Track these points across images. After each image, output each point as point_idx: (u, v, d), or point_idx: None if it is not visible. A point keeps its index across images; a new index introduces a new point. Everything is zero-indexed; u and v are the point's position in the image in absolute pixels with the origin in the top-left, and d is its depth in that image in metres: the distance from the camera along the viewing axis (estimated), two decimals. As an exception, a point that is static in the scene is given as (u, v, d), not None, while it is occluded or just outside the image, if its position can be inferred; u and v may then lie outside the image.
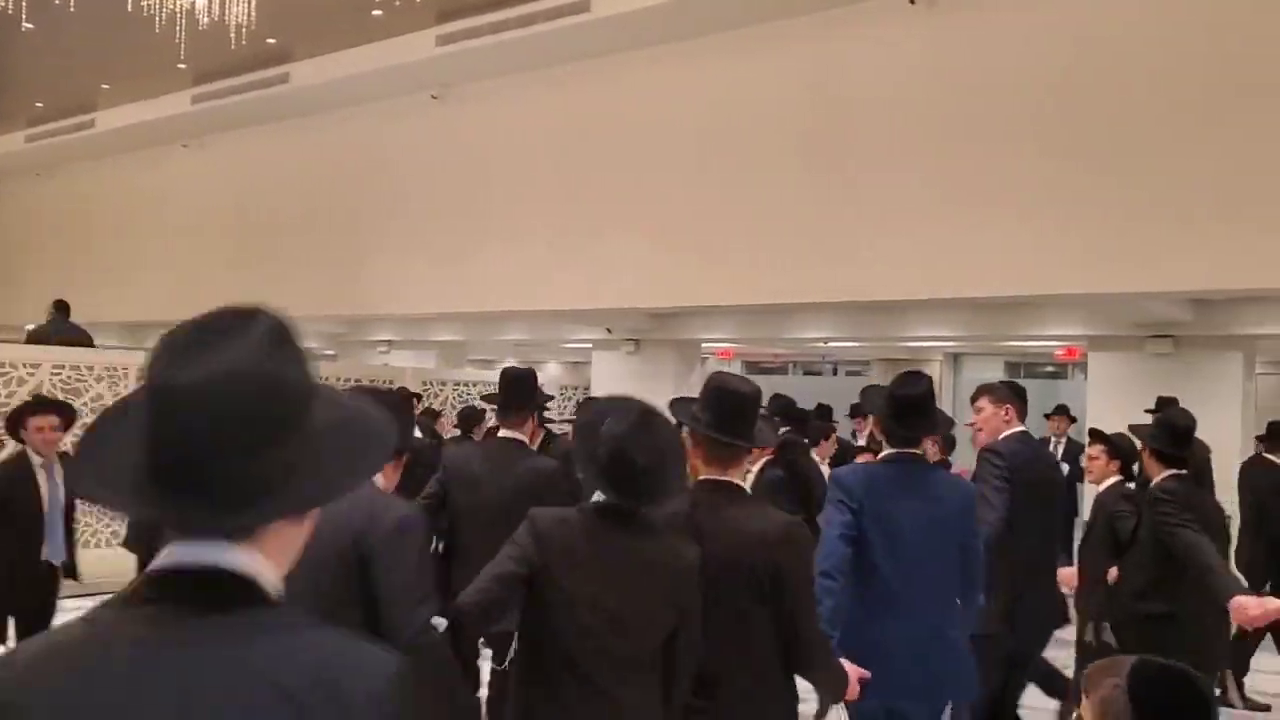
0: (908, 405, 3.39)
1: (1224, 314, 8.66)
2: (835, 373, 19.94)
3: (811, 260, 8.03)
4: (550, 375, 19.69)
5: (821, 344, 14.70)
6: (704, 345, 13.56)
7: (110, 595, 1.13)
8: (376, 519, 2.54)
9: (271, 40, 10.70)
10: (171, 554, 1.11)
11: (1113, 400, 8.88)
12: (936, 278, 7.48)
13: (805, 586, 2.78)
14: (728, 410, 2.78)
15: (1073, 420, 9.96)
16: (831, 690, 2.95)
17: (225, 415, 1.07)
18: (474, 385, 11.34)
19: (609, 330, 11.92)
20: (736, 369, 20.06)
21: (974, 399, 4.62)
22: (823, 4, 8.05)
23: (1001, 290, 7.43)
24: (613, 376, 11.43)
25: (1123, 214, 6.71)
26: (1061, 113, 7.00)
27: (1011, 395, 4.64)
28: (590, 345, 12.96)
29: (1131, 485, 5.08)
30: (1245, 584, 4.03)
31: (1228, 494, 8.51)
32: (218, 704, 1.06)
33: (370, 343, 14.58)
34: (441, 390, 11.39)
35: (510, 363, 20.03)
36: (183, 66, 11.37)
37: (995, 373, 17.47)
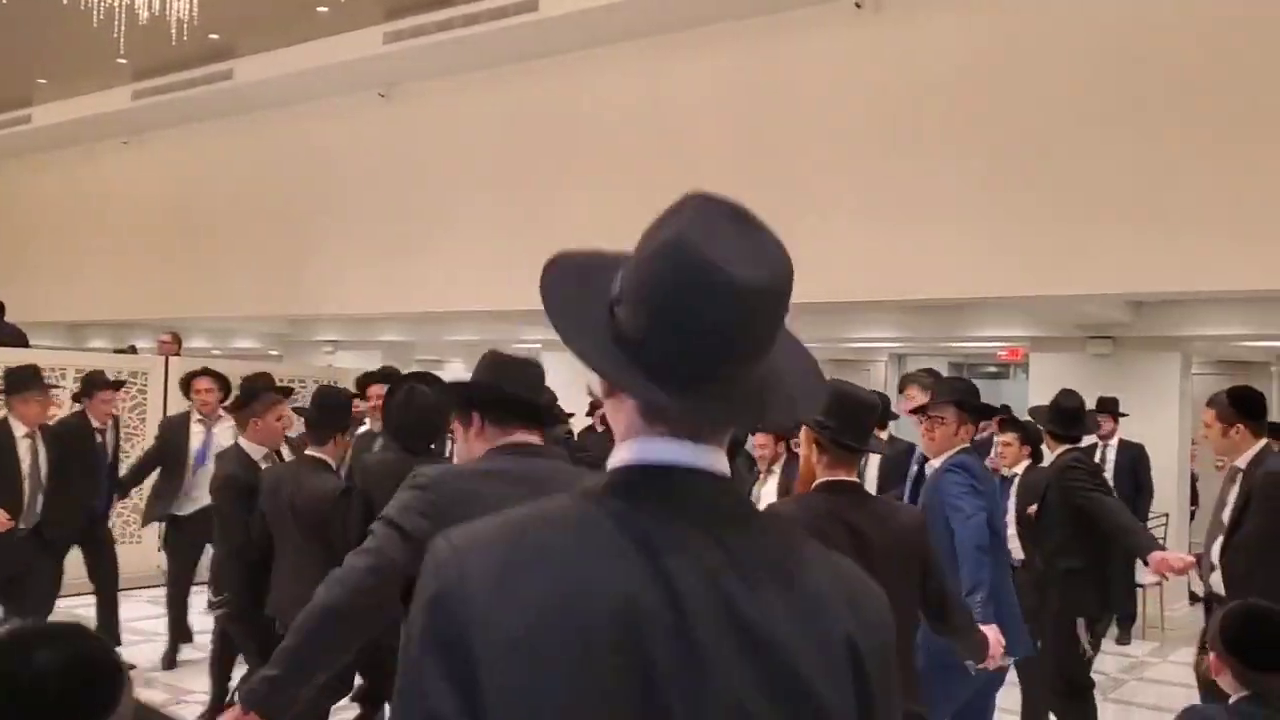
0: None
1: (1161, 316, 8.85)
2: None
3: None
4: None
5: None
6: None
7: None
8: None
9: (214, 36, 10.54)
10: (659, 447, 1.06)
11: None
12: (878, 280, 7.54)
13: (941, 563, 3.16)
14: (850, 416, 2.95)
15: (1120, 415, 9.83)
16: (977, 652, 3.30)
17: (778, 319, 1.05)
18: (421, 386, 11.25)
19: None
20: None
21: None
22: (768, 7, 8.09)
23: (943, 293, 7.52)
24: (563, 378, 11.40)
25: (1061, 217, 6.82)
26: (999, 117, 7.10)
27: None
28: (540, 345, 12.94)
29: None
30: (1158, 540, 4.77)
31: (1169, 485, 8.73)
32: (787, 624, 1.02)
33: (315, 343, 14.42)
34: (388, 391, 11.28)
35: (456, 363, 19.88)
36: (123, 61, 11.17)
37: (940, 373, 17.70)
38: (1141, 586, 8.07)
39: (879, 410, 3.19)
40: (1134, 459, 7.60)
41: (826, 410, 2.93)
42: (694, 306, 1.01)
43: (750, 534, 1.07)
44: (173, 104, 12.23)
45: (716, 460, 1.08)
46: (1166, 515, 8.82)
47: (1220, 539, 4.18)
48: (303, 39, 10.54)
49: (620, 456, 1.08)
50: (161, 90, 12.19)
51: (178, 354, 9.34)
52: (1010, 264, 7.04)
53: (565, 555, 1.00)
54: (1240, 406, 4.30)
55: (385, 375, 5.77)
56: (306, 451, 4.20)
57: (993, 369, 17.14)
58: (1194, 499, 10.79)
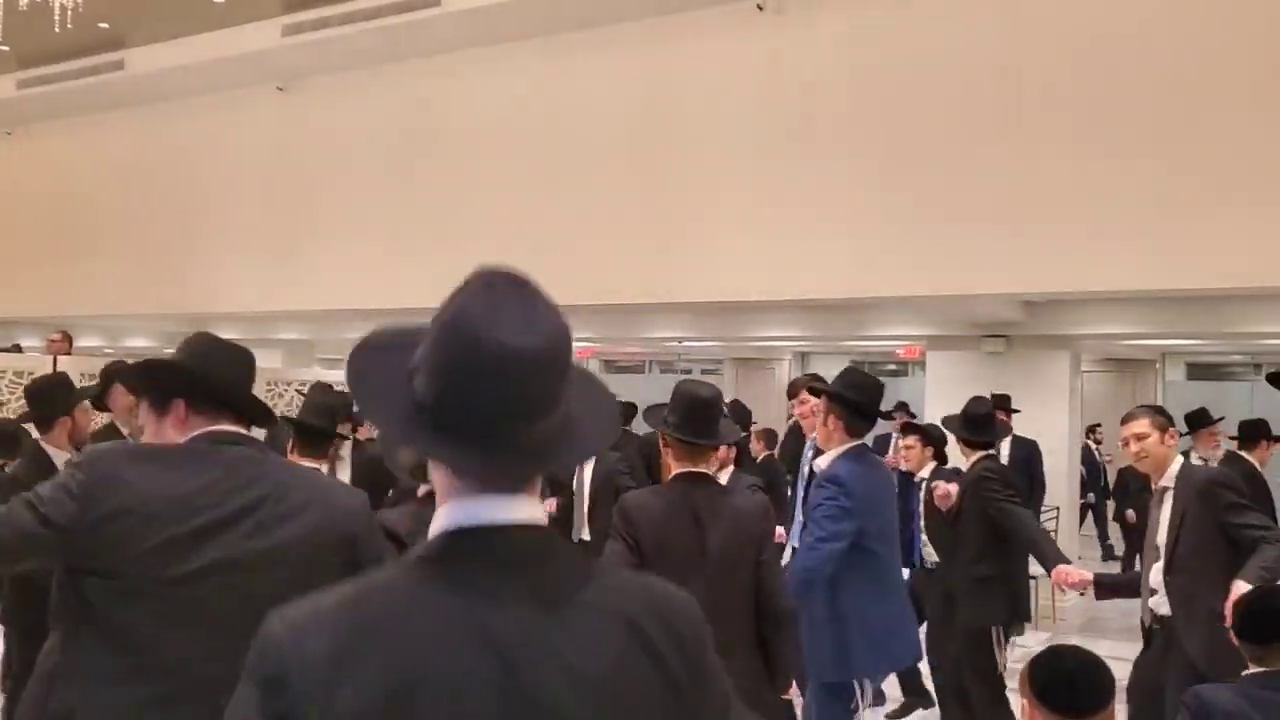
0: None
1: (1052, 315, 9.15)
2: (690, 371, 20.21)
3: (659, 261, 8.10)
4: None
5: (676, 343, 14.88)
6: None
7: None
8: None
9: (104, 25, 10.20)
10: (473, 509, 1.17)
11: (950, 397, 9.24)
12: (780, 280, 7.64)
13: (777, 558, 3.30)
14: (691, 413, 3.15)
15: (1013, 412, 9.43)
16: (779, 670, 3.29)
17: (554, 377, 1.16)
18: (322, 386, 11.02)
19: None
20: (594, 367, 20.15)
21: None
22: (669, 7, 8.13)
23: (838, 293, 7.62)
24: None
25: (954, 219, 6.98)
26: (894, 120, 7.23)
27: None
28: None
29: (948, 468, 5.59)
30: (1064, 554, 4.70)
31: (1060, 480, 9.04)
32: (590, 644, 1.14)
33: (212, 342, 14.03)
34: (286, 390, 11.04)
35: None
36: (4, 49, 10.73)
37: (839, 370, 18.02)
38: (1034, 578, 8.29)
39: (718, 405, 3.25)
40: (1028, 455, 7.83)
41: (671, 409, 3.19)
42: (473, 373, 1.13)
43: (559, 572, 1.19)
44: (61, 94, 11.78)
45: (528, 508, 1.19)
46: (1057, 509, 9.13)
47: (1159, 563, 4.02)
48: (198, 30, 10.25)
49: (441, 523, 1.18)
50: (48, 80, 11.73)
51: (68, 353, 9.00)
52: (905, 264, 7.19)
53: (397, 636, 1.08)
54: (1165, 414, 4.18)
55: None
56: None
57: (892, 366, 17.53)
58: (1108, 492, 11.20)
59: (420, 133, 9.47)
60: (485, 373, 1.12)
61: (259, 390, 10.10)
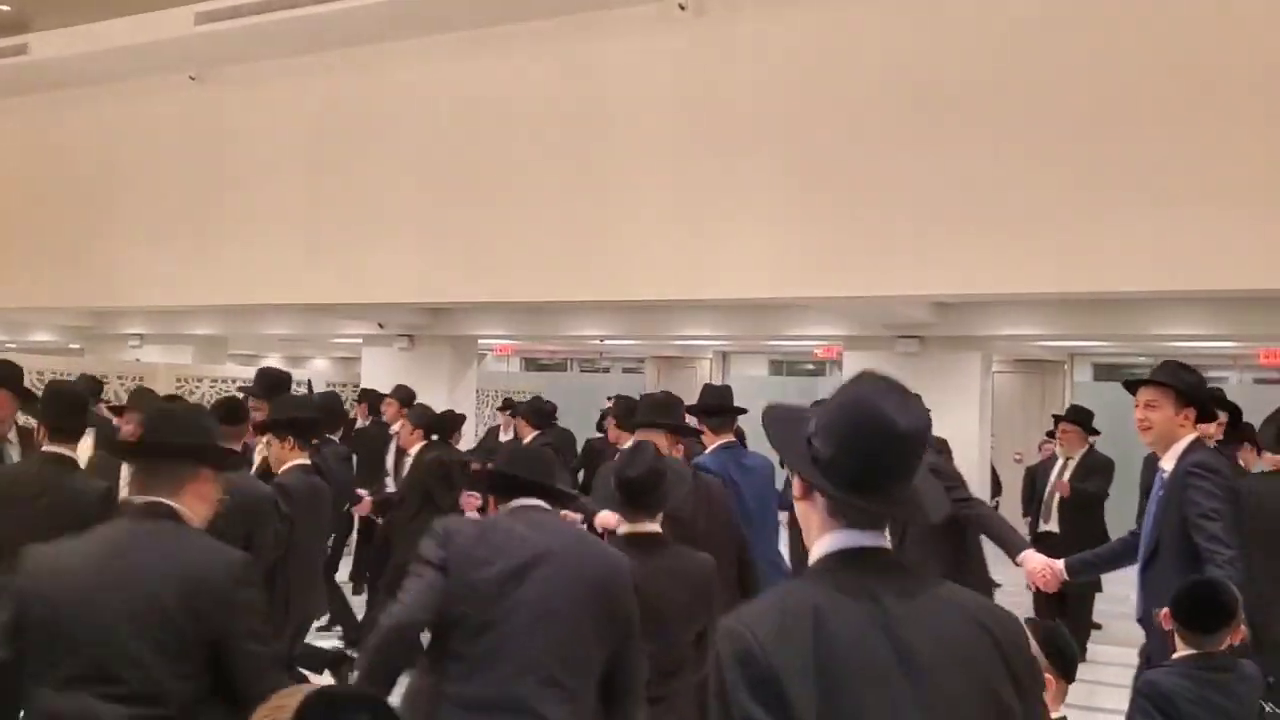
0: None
1: (964, 316, 9.37)
2: (609, 370, 20.23)
3: (578, 260, 8.08)
4: (318, 371, 19.03)
5: (598, 341, 14.90)
6: (481, 341, 13.48)
7: None
8: None
9: (6, 8, 9.85)
10: (856, 538, 1.67)
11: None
12: (701, 280, 7.68)
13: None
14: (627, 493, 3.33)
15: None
16: None
17: (919, 452, 1.67)
18: (233, 382, 10.81)
19: (381, 325, 11.66)
20: (515, 366, 20.03)
21: None
22: (590, 4, 8.11)
23: (762, 293, 7.70)
24: (385, 373, 11.19)
25: (869, 221, 7.07)
26: (812, 122, 7.30)
27: None
28: (361, 340, 12.64)
29: None
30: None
31: (971, 478, 9.23)
32: (948, 620, 1.62)
33: (120, 336, 13.67)
34: (198, 387, 10.80)
35: (273, 360, 19.11)
36: (-102, 30, 10.31)
37: (761, 370, 18.21)
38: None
39: (651, 478, 3.23)
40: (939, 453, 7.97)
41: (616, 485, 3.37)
42: (871, 440, 1.63)
43: (912, 580, 1.68)
44: (-42, 79, 11.35)
45: (881, 539, 1.69)
46: (968, 505, 9.33)
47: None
48: (107, 15, 9.95)
49: (824, 547, 1.69)
50: (-55, 63, 11.29)
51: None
52: (822, 266, 7.27)
53: (819, 615, 1.58)
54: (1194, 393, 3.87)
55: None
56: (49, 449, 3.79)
57: (810, 366, 17.77)
58: (998, 489, 11.48)
59: (336, 126, 9.32)
60: (880, 441, 1.62)
61: (169, 385, 9.87)
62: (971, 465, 9.27)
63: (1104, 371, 14.98)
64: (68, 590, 2.34)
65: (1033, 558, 4.38)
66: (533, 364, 20.38)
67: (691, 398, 4.76)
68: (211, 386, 10.85)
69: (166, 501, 2.48)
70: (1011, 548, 4.51)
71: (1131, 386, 3.99)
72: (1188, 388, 3.82)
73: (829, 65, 7.29)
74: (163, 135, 10.39)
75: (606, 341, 14.71)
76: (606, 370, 20.17)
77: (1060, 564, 4.30)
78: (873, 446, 1.62)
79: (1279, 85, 6.01)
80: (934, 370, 9.43)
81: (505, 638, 2.57)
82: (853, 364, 10.49)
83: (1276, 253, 6.01)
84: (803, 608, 1.57)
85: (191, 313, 12.10)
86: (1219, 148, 6.12)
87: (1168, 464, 3.86)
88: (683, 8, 7.76)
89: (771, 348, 16.75)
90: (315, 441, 5.10)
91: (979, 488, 9.68)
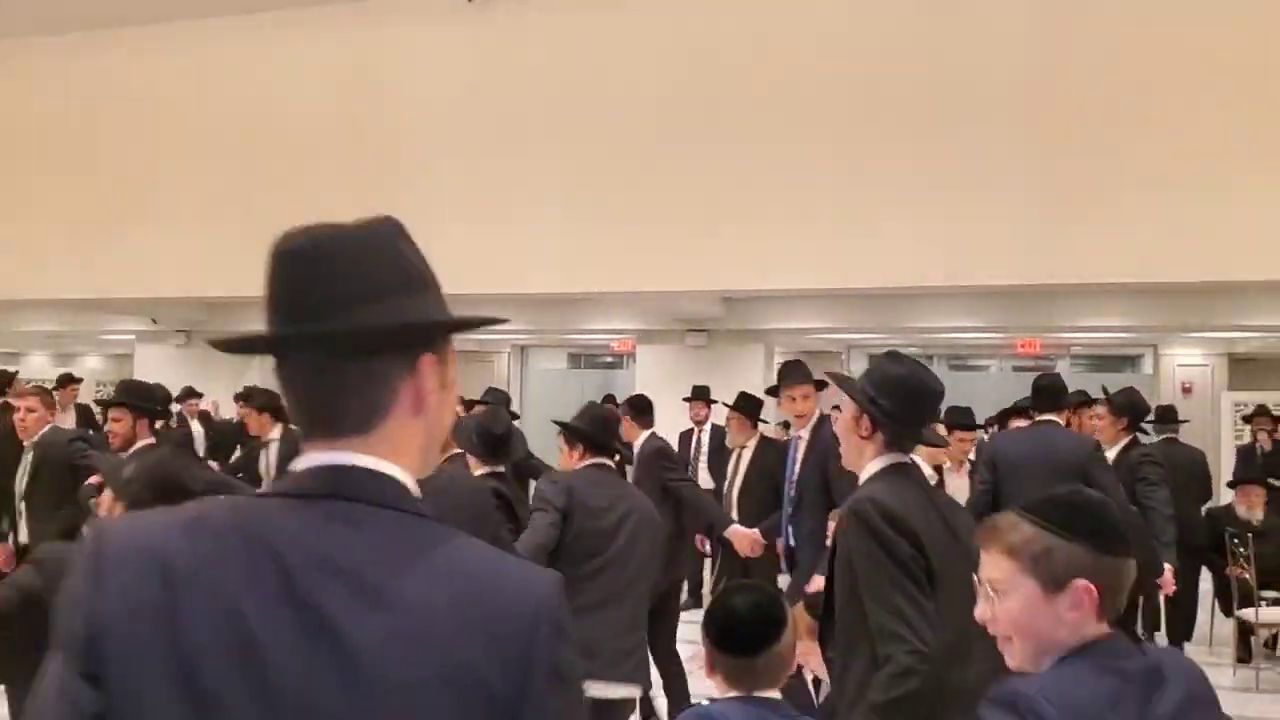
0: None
1: (748, 311, 9.74)
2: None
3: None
4: (89, 369, 17.90)
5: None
6: (263, 337, 12.99)
7: None
8: None
9: None
10: (899, 457, 2.68)
11: (659, 387, 9.64)
12: (498, 274, 7.65)
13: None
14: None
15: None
16: None
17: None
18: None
19: (154, 321, 11.09)
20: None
21: None
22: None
23: (557, 287, 7.76)
24: (161, 371, 10.64)
25: (660, 219, 7.20)
26: (603, 119, 7.37)
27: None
28: (134, 337, 11.97)
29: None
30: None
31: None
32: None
33: None
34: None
35: (37, 356, 17.85)
36: None
37: (559, 363, 18.29)
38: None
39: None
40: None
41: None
42: (922, 397, 2.66)
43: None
44: None
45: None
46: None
47: None
48: None
49: (881, 463, 2.64)
50: None
51: None
52: (615, 261, 7.37)
53: (910, 491, 2.65)
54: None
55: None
56: None
57: (609, 359, 17.98)
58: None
59: (106, 107, 8.76)
60: (929, 397, 2.77)
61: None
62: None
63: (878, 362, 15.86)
64: None
65: (736, 530, 5.47)
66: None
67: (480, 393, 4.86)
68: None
69: None
70: (718, 522, 5.69)
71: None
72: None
73: (620, 61, 7.40)
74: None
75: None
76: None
77: (756, 531, 5.42)
78: (923, 400, 2.66)
79: (1025, 90, 6.52)
80: (720, 361, 9.75)
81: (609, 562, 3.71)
82: (645, 357, 10.72)
83: (1029, 250, 6.52)
84: (905, 490, 2.56)
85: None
86: (973, 150, 6.58)
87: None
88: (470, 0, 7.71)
89: (569, 341, 16.86)
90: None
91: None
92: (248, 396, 7.64)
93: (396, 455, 1.08)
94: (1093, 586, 1.67)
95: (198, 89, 8.50)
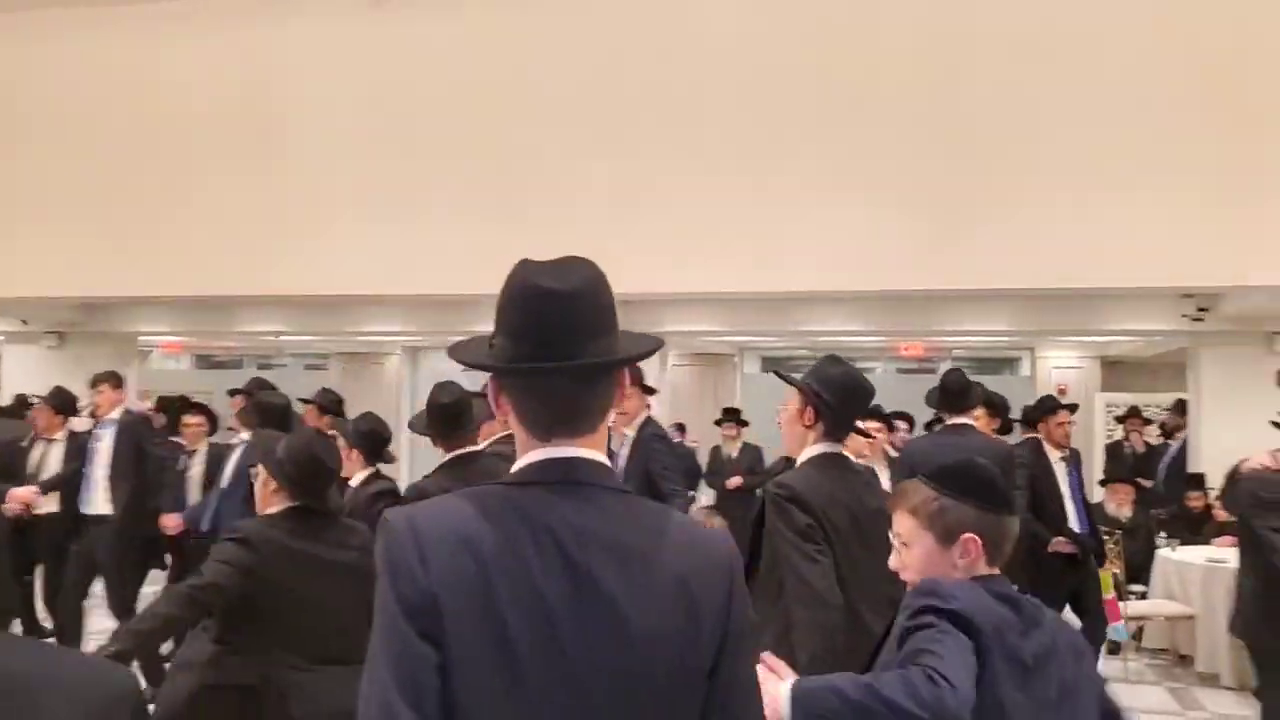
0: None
1: (639, 314, 9.77)
2: (288, 366, 19.43)
3: (252, 253, 7.66)
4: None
5: (273, 338, 14.26)
6: (144, 339, 12.58)
7: None
8: None
9: None
10: (832, 446, 3.02)
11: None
12: (389, 275, 7.52)
13: None
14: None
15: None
16: None
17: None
18: None
19: (24, 322, 10.63)
20: (185, 364, 18.80)
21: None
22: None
23: (452, 288, 7.61)
24: (30, 373, 10.20)
25: (553, 221, 7.10)
26: (497, 122, 7.32)
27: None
28: (2, 339, 11.44)
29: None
30: None
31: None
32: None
33: None
34: None
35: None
36: None
37: (452, 364, 18.11)
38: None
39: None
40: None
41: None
42: (861, 396, 3.22)
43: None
44: None
45: None
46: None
47: None
48: None
49: (818, 450, 3.13)
50: None
51: None
52: (507, 262, 7.15)
53: (829, 475, 3.09)
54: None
55: None
56: None
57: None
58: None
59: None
60: (866, 396, 3.23)
61: None
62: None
63: (770, 364, 16.15)
64: None
65: None
66: (205, 361, 19.19)
67: (379, 394, 4.77)
68: None
69: None
70: None
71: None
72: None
73: (519, 64, 7.34)
74: None
75: (284, 337, 14.11)
76: (285, 366, 19.36)
77: None
78: (859, 396, 3.06)
79: (913, 104, 6.70)
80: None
81: None
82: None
83: (912, 257, 6.71)
84: (824, 471, 2.99)
85: None
86: (863, 161, 6.74)
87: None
88: (369, -2, 7.58)
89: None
90: None
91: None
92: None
93: (600, 448, 1.41)
94: (978, 538, 2.07)
95: (75, 81, 8.17)
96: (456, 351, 1.52)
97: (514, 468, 1.40)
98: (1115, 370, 14.77)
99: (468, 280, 7.47)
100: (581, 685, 1.26)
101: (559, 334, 1.38)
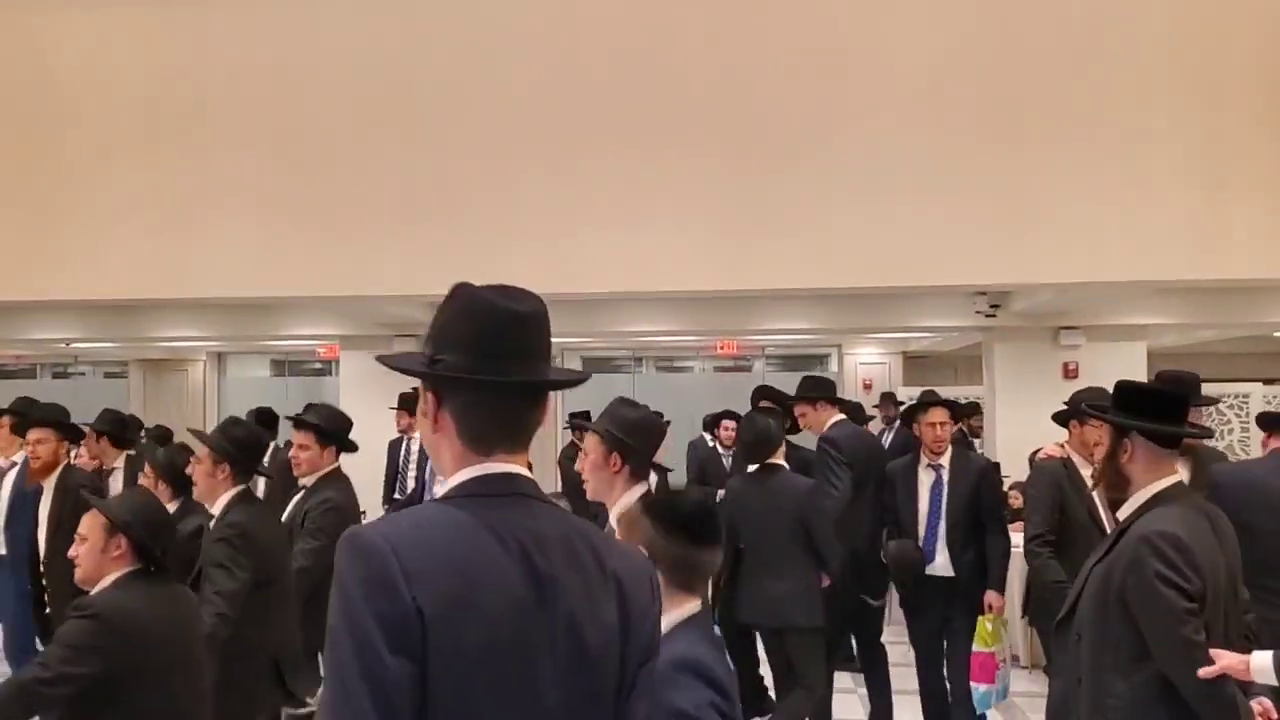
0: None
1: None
2: (86, 375, 18.35)
3: (29, 254, 7.14)
4: None
5: (64, 345, 13.42)
6: (-87, 347, 11.62)
7: None
8: None
9: None
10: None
11: (363, 395, 9.39)
12: (175, 277, 7.11)
13: None
14: None
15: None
16: None
17: None
18: None
19: None
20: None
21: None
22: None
23: (245, 291, 7.26)
24: None
25: (356, 219, 6.90)
26: (290, 115, 6.98)
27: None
28: None
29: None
30: None
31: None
32: None
33: None
34: None
35: None
36: None
37: (261, 371, 17.44)
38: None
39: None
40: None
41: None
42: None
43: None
44: None
45: None
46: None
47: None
48: None
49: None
50: None
51: None
52: (309, 264, 6.99)
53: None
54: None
55: None
56: None
57: (316, 366, 17.33)
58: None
59: None
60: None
61: None
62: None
63: (592, 364, 16.31)
64: None
65: None
66: (-5, 371, 17.92)
67: (183, 402, 4.54)
68: None
69: None
70: None
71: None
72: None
73: (316, 56, 7.04)
74: None
75: (75, 344, 13.30)
76: (84, 374, 18.27)
77: None
78: (654, 433, 3.17)
79: (718, 111, 6.84)
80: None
81: None
82: (349, 364, 10.43)
83: (726, 258, 6.84)
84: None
85: None
86: (672, 166, 6.83)
87: None
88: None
89: (270, 347, 16.10)
90: None
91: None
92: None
93: (526, 464, 1.49)
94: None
95: None
96: (394, 360, 1.59)
97: (451, 482, 1.44)
98: (917, 365, 15.53)
99: (265, 282, 7.18)
100: (544, 684, 1.36)
101: (524, 354, 1.48)
